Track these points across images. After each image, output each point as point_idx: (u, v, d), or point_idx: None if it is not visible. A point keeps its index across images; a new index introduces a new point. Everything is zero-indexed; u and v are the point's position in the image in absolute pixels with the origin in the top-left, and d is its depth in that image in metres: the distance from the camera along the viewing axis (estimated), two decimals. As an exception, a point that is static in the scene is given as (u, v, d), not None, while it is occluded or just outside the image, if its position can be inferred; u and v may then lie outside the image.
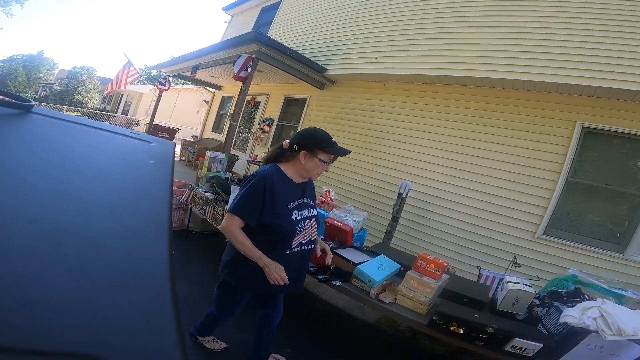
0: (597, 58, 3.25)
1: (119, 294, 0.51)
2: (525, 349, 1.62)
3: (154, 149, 1.06)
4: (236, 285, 1.74)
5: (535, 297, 2.02)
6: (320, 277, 2.14)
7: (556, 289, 2.02)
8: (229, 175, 4.42)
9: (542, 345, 1.61)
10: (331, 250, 2.35)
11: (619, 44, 3.18)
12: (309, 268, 2.23)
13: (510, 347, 1.64)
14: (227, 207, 1.66)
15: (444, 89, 4.60)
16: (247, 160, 7.32)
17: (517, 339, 1.62)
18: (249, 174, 4.53)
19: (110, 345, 0.43)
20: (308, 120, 6.59)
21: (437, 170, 4.39)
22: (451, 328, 1.77)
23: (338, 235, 2.55)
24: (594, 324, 1.56)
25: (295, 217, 1.63)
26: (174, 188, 4.23)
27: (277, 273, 1.55)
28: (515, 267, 3.32)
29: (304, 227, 1.68)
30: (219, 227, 1.67)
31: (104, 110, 22.56)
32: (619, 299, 2.03)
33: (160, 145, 1.09)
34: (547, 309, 1.94)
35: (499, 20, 4.02)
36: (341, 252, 2.29)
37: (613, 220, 3.49)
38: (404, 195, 4.10)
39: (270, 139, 7.43)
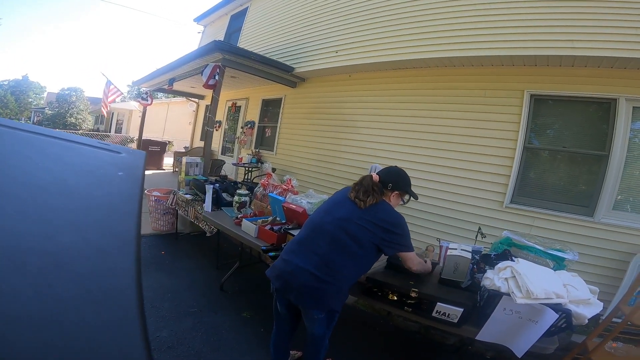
0: (531, 28, 3.34)
1: (83, 311, 0.49)
2: (449, 314, 1.68)
3: (123, 160, 1.00)
4: (339, 309, 1.76)
5: (473, 263, 2.12)
6: (271, 254, 2.32)
7: (489, 253, 2.12)
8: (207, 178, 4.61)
9: (462, 309, 1.65)
10: (285, 231, 2.59)
11: (550, 12, 3.25)
12: (262, 247, 2.45)
13: (436, 313, 1.71)
14: (405, 249, 1.80)
15: (402, 73, 4.73)
16: (233, 164, 7.48)
17: (439, 303, 1.71)
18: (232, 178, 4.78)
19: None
20: (286, 118, 6.75)
21: (403, 150, 4.53)
22: (388, 296, 1.90)
23: (295, 217, 2.74)
24: (504, 285, 1.58)
25: None
26: (160, 195, 4.40)
27: None
28: (482, 237, 3.42)
29: None
30: (415, 269, 1.89)
31: (98, 130, 22.51)
32: (559, 262, 2.05)
33: (129, 156, 1.03)
34: (482, 274, 2.04)
35: (441, 2, 4.10)
36: (294, 232, 2.46)
37: (578, 183, 3.51)
38: (373, 178, 4.28)
39: (254, 140, 7.59)
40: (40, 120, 25.66)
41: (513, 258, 1.94)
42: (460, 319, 1.69)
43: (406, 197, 1.91)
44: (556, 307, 1.54)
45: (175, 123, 17.89)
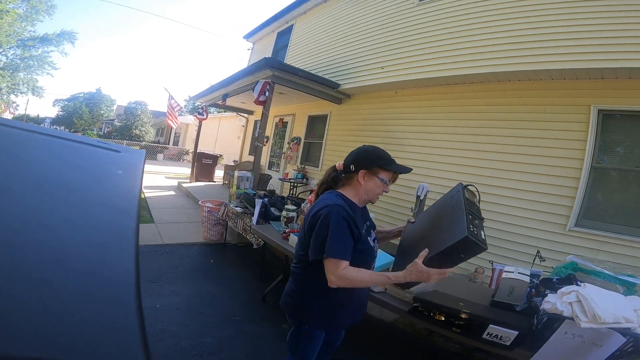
0: (596, 40, 3.11)
1: (82, 308, 0.49)
2: (502, 336, 1.59)
3: (123, 159, 1.03)
4: (329, 329, 1.53)
5: (530, 287, 1.98)
6: None
7: (550, 277, 1.96)
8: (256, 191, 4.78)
9: (516, 332, 1.56)
10: None
11: (619, 23, 3.02)
12: None
13: (487, 335, 1.62)
14: (315, 253, 1.33)
15: (452, 89, 4.61)
16: (279, 179, 7.68)
17: (491, 325, 1.61)
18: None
19: (73, 354, 0.42)
20: (331, 134, 6.84)
21: (454, 169, 4.36)
22: (435, 316, 1.81)
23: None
24: (568, 309, 1.49)
25: (372, 242, 1.49)
26: (212, 206, 4.67)
27: (437, 274, 1.26)
28: (541, 261, 3.17)
29: (375, 249, 1.55)
30: (331, 284, 1.30)
31: (158, 142, 24.15)
32: (630, 287, 1.89)
33: (129, 155, 1.06)
34: (541, 298, 1.89)
35: (495, 14, 3.97)
36: None
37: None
38: (421, 197, 4.13)
39: (299, 156, 7.76)
40: (110, 131, 28.15)
41: (579, 283, 1.79)
42: (514, 342, 1.61)
43: (384, 174, 1.45)
44: (624, 332, 1.44)
45: (225, 137, 18.92)
